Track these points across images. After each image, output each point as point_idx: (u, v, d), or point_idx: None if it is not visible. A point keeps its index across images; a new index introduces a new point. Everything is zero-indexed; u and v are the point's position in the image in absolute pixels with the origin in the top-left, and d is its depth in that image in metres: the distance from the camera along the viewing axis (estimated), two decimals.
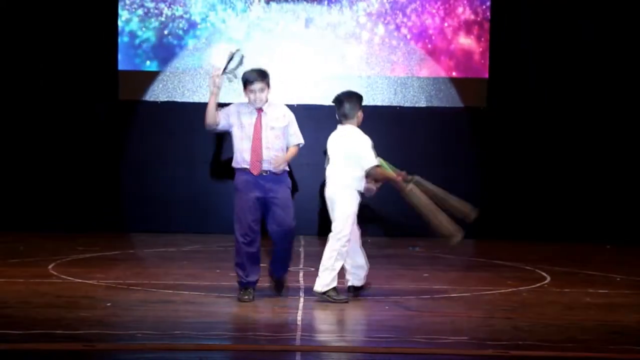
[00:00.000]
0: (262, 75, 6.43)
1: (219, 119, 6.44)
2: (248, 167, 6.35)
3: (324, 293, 6.35)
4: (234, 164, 6.44)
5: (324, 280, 6.37)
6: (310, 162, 10.26)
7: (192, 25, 11.19)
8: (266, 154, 6.33)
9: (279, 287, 6.71)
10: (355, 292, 6.64)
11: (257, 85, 6.39)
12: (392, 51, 11.25)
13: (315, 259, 8.87)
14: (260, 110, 6.44)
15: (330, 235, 6.47)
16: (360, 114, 6.76)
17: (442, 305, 6.42)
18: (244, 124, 6.40)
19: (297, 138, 6.53)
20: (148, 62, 11.22)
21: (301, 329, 5.42)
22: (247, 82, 6.45)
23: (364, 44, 11.24)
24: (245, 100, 6.51)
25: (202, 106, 10.92)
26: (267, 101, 6.46)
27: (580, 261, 9.17)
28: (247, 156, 6.35)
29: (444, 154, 11.32)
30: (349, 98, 6.83)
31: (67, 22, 11.12)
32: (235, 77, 6.48)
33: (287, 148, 6.49)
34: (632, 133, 11.32)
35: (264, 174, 6.35)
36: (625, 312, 6.27)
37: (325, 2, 11.24)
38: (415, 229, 11.11)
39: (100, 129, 11.23)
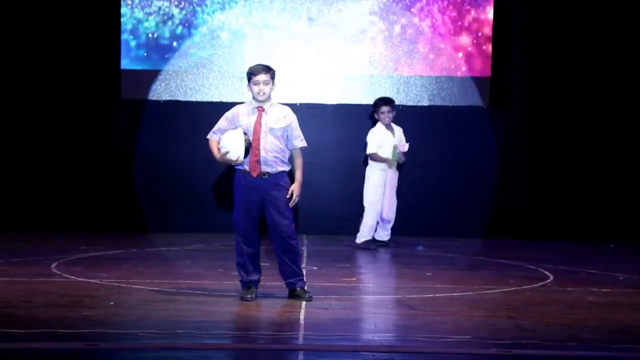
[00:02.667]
0: (266, 68, 6.40)
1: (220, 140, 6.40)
2: (247, 168, 6.34)
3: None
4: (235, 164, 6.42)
5: None
6: (313, 162, 10.25)
7: (195, 24, 11.19)
8: (263, 155, 6.30)
9: (303, 296, 6.42)
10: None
11: (261, 77, 6.33)
12: (394, 50, 11.25)
13: (318, 258, 8.88)
14: (261, 109, 6.40)
15: None
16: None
17: (445, 304, 6.42)
18: (243, 125, 6.37)
19: (301, 141, 6.49)
20: (150, 61, 11.22)
21: (304, 328, 5.42)
22: (251, 74, 6.38)
23: (366, 43, 11.24)
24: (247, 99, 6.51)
25: (205, 105, 11.10)
26: (270, 98, 6.40)
27: (583, 260, 9.16)
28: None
29: (446, 153, 11.31)
30: None
31: (70, 20, 11.12)
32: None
33: (290, 151, 6.46)
34: (635, 132, 11.31)
35: (263, 176, 6.33)
36: (628, 311, 6.27)
37: (329, 1, 11.23)
38: (419, 228, 11.18)
39: (102, 128, 11.23)
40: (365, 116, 10.60)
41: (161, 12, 11.17)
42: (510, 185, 11.35)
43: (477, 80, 11.25)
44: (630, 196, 11.29)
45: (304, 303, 6.25)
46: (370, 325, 5.76)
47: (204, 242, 10.06)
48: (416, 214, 11.21)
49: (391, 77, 11.28)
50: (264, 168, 6.31)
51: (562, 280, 7.67)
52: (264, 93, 6.33)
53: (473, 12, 11.20)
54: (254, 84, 6.36)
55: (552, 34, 11.28)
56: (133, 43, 11.18)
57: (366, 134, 9.84)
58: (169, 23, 11.18)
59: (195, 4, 11.18)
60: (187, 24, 11.19)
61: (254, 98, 6.40)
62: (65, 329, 5.18)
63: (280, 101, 6.60)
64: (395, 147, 9.73)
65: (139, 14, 11.16)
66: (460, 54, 11.23)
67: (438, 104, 11.29)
